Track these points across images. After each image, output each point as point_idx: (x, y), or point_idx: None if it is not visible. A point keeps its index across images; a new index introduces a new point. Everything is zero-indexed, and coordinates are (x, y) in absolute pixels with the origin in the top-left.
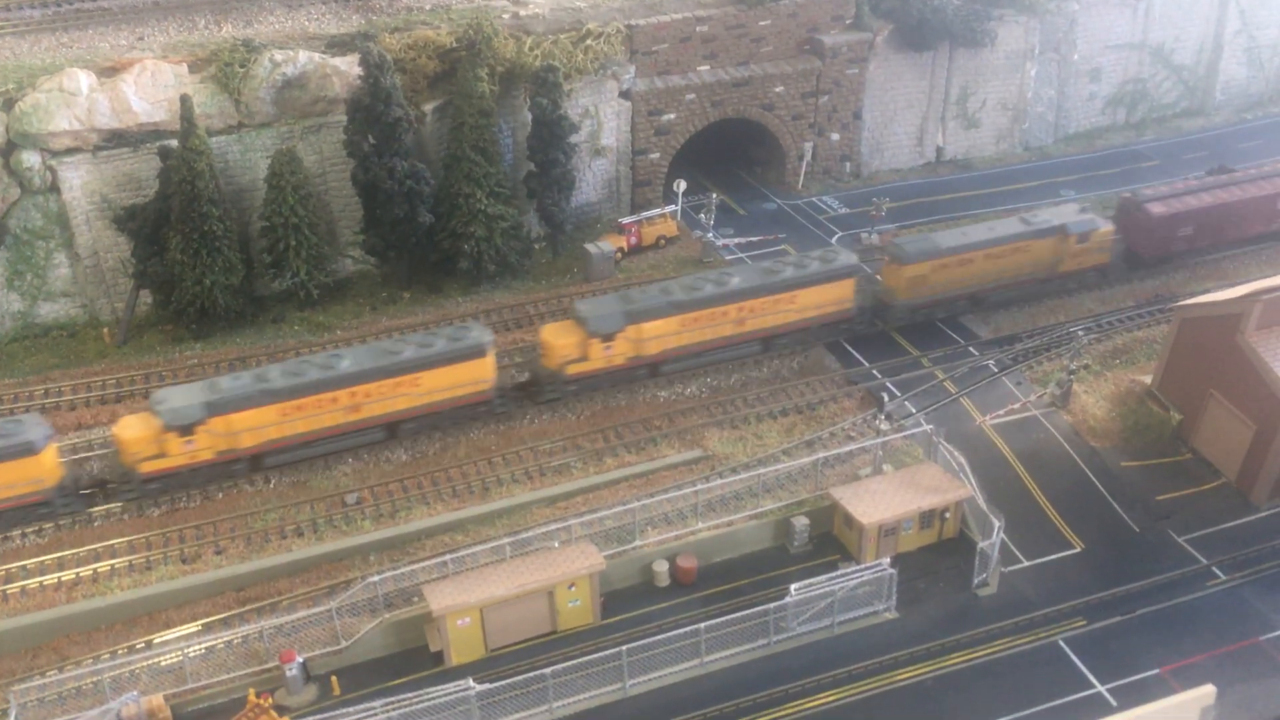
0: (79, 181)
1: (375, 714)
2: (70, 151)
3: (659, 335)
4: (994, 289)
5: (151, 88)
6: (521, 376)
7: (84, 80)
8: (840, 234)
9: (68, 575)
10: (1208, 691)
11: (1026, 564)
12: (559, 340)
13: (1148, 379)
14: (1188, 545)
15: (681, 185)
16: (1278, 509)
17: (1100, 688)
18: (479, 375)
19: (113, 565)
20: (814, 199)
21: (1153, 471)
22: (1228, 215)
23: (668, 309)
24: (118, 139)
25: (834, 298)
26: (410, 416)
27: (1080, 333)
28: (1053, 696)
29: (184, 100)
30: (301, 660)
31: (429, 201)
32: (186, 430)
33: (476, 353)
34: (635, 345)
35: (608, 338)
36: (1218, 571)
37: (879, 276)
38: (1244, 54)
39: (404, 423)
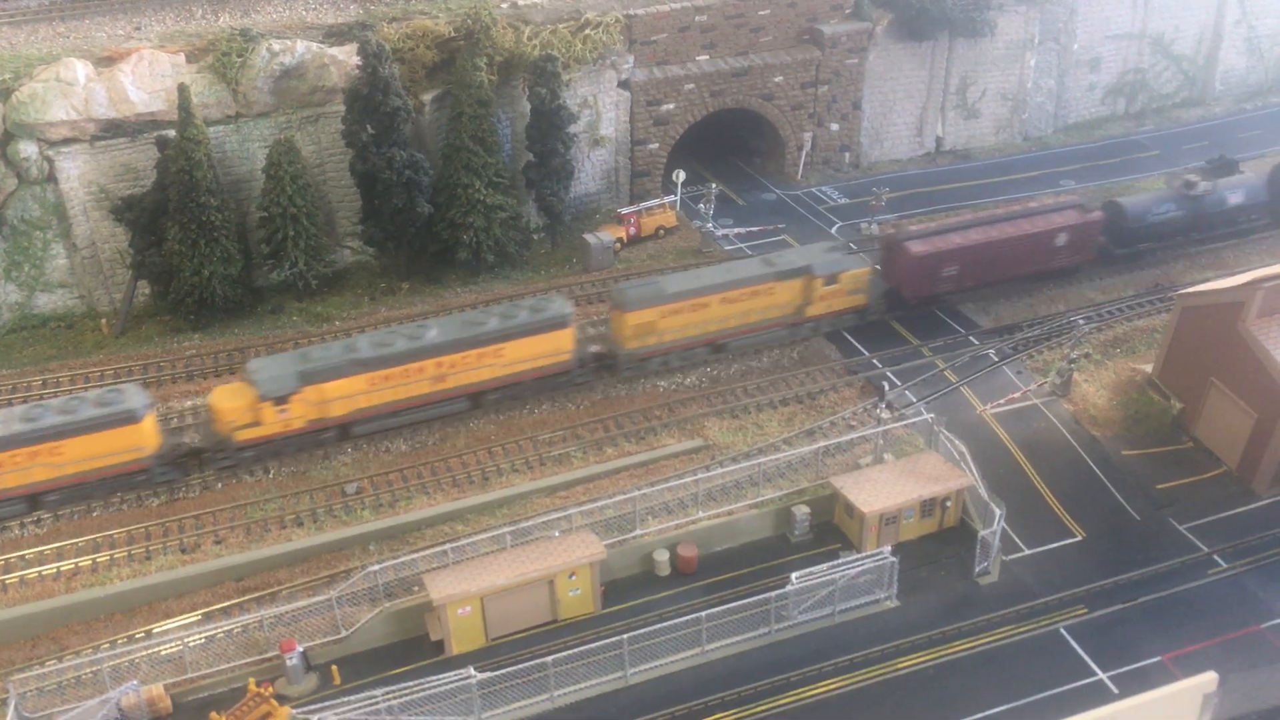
0: (76, 172)
1: (376, 703)
2: (67, 142)
3: (344, 395)
4: (736, 334)
5: (149, 77)
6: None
7: (81, 70)
8: (840, 224)
9: (67, 565)
10: (1210, 679)
11: (1028, 552)
12: (227, 404)
13: (1148, 368)
14: (1189, 533)
15: (681, 175)
16: (1279, 497)
17: (1102, 675)
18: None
19: (112, 555)
20: (813, 189)
21: (1154, 460)
22: (997, 254)
23: (352, 367)
24: (115, 129)
25: (548, 349)
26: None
27: (1081, 321)
28: (1054, 684)
29: (181, 90)
30: (302, 649)
31: (427, 192)
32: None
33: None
34: (316, 407)
35: (281, 400)
36: (1219, 559)
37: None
38: (1244, 44)
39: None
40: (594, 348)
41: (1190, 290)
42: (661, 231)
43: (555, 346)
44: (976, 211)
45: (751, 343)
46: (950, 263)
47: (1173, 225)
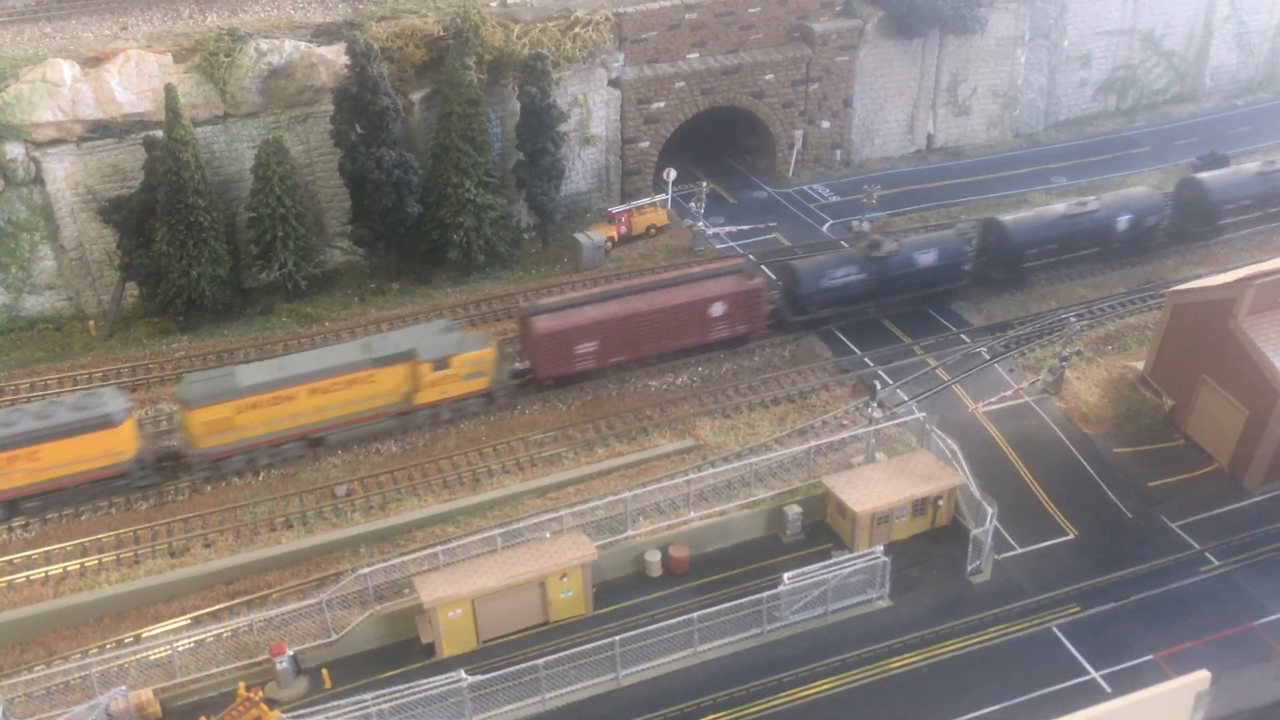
0: (63, 173)
1: (367, 706)
2: (54, 143)
3: None
4: (334, 426)
5: (136, 78)
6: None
7: (67, 70)
8: (831, 221)
9: (55, 570)
10: (1202, 677)
11: (1020, 551)
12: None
13: (1140, 365)
14: (1181, 531)
15: (671, 174)
16: (1270, 494)
17: (1095, 674)
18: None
19: (100, 559)
20: (805, 187)
21: (1145, 458)
22: (640, 327)
23: None
24: (102, 130)
25: (99, 450)
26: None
27: (1073, 319)
28: (1047, 683)
29: (169, 90)
30: (292, 653)
31: (417, 191)
32: None
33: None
34: None
35: None
36: (1211, 557)
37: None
38: (1234, 39)
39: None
40: (167, 442)
41: (1182, 287)
42: (653, 230)
43: (105, 448)
44: (631, 279)
45: (356, 435)
46: (585, 338)
47: (854, 290)
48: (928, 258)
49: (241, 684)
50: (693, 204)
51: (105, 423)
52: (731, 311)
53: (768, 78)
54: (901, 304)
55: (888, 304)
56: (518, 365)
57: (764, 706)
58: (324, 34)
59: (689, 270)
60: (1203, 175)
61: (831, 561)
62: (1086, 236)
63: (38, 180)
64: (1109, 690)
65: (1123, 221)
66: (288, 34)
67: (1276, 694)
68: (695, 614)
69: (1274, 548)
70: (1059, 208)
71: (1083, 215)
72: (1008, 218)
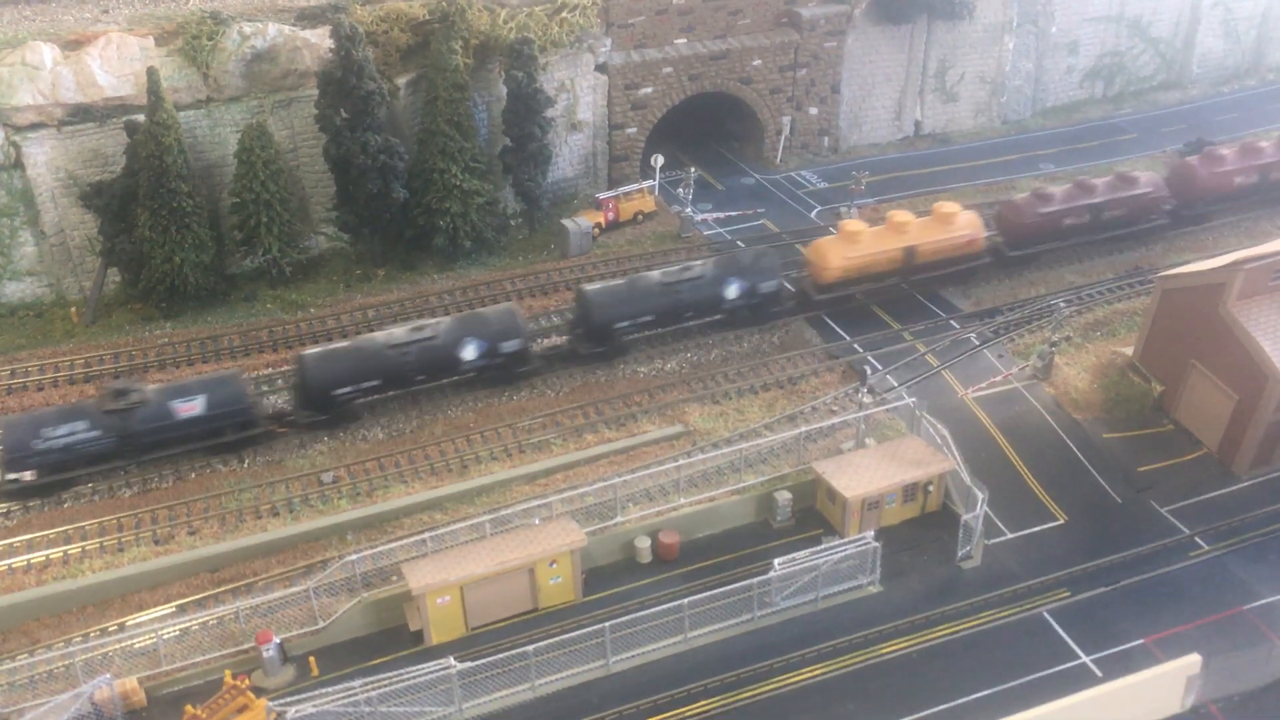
0: (44, 157)
1: (355, 694)
2: (34, 127)
3: None
4: None
5: (117, 61)
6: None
7: (47, 54)
8: (819, 208)
9: (38, 557)
10: (1193, 661)
11: (1010, 536)
12: None
13: (1129, 350)
14: (1170, 516)
15: (659, 160)
16: (1259, 479)
17: (1085, 659)
18: None
19: (84, 547)
20: (792, 173)
21: (1134, 443)
22: None
23: None
24: (83, 114)
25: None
26: None
27: (1061, 305)
28: (1038, 668)
29: (151, 73)
30: (278, 641)
31: (403, 177)
32: None
33: None
34: None
35: None
36: (1200, 542)
37: None
38: (1221, 26)
39: None
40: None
41: (1171, 272)
42: (640, 217)
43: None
44: None
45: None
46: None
47: (85, 452)
48: (191, 407)
49: (228, 672)
50: (680, 190)
51: None
52: None
53: (755, 63)
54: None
55: (141, 461)
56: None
57: (754, 692)
58: (308, 17)
59: None
60: (589, 287)
61: (822, 547)
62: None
63: (17, 165)
64: (1099, 675)
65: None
66: (271, 17)
67: (1266, 678)
68: (685, 600)
69: (1263, 532)
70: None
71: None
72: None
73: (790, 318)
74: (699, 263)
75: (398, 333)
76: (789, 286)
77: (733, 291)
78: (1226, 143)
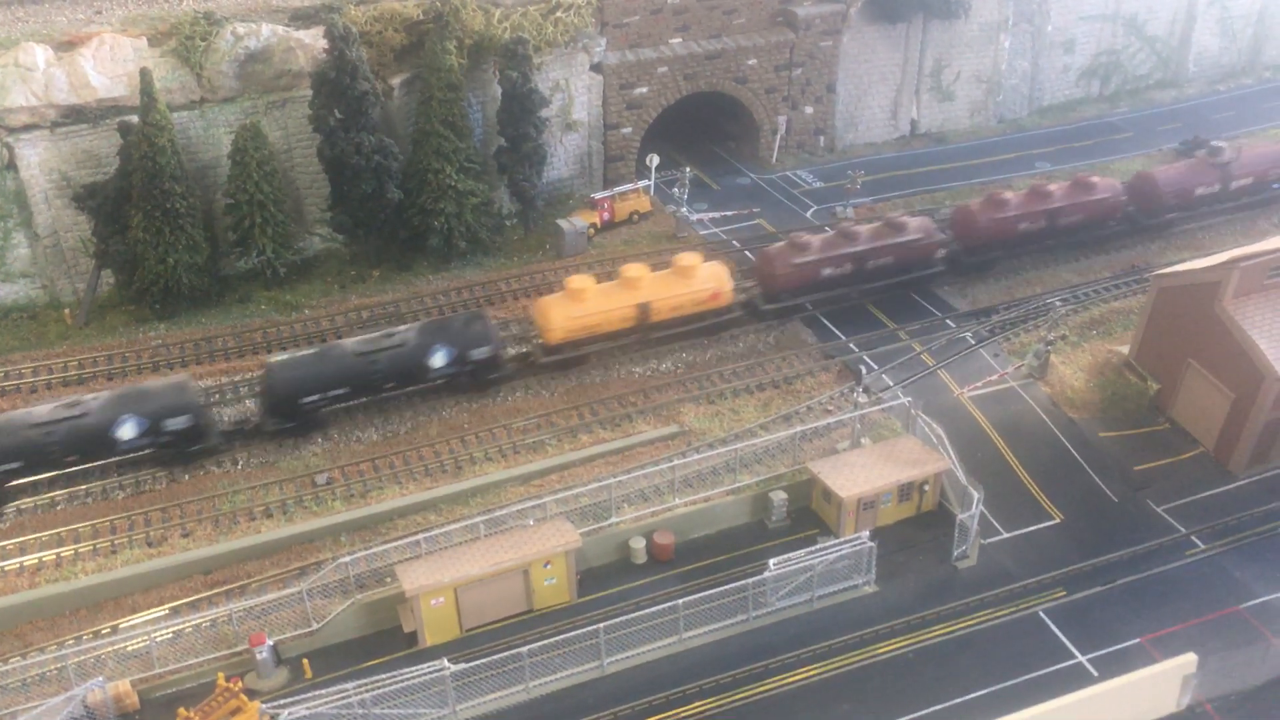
0: (37, 159)
1: (348, 696)
2: (27, 128)
3: None
4: None
5: (110, 62)
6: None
7: (41, 55)
8: (815, 208)
9: (30, 560)
10: (1189, 660)
11: (1006, 535)
12: None
13: (1125, 349)
14: (1166, 515)
15: (654, 160)
16: (1255, 477)
17: (1081, 658)
18: None
19: (76, 549)
20: (788, 173)
21: (1131, 442)
22: None
23: None
24: (76, 115)
25: None
26: None
27: (1058, 304)
28: (1034, 668)
29: (144, 74)
30: (272, 643)
31: (397, 177)
32: None
33: None
34: None
35: None
36: (1197, 540)
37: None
38: (1216, 25)
39: None
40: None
41: (1167, 271)
42: (636, 217)
43: None
44: None
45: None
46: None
47: None
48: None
49: (221, 674)
50: (676, 190)
51: None
52: None
53: (751, 63)
54: None
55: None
56: None
57: (750, 693)
58: (302, 18)
59: None
60: (274, 358)
61: (817, 547)
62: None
63: (10, 166)
64: (1095, 674)
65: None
66: (265, 17)
67: (1262, 677)
68: (680, 601)
69: (1259, 531)
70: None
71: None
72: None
73: (517, 379)
74: (402, 329)
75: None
76: (510, 350)
77: (439, 360)
78: (1010, 187)
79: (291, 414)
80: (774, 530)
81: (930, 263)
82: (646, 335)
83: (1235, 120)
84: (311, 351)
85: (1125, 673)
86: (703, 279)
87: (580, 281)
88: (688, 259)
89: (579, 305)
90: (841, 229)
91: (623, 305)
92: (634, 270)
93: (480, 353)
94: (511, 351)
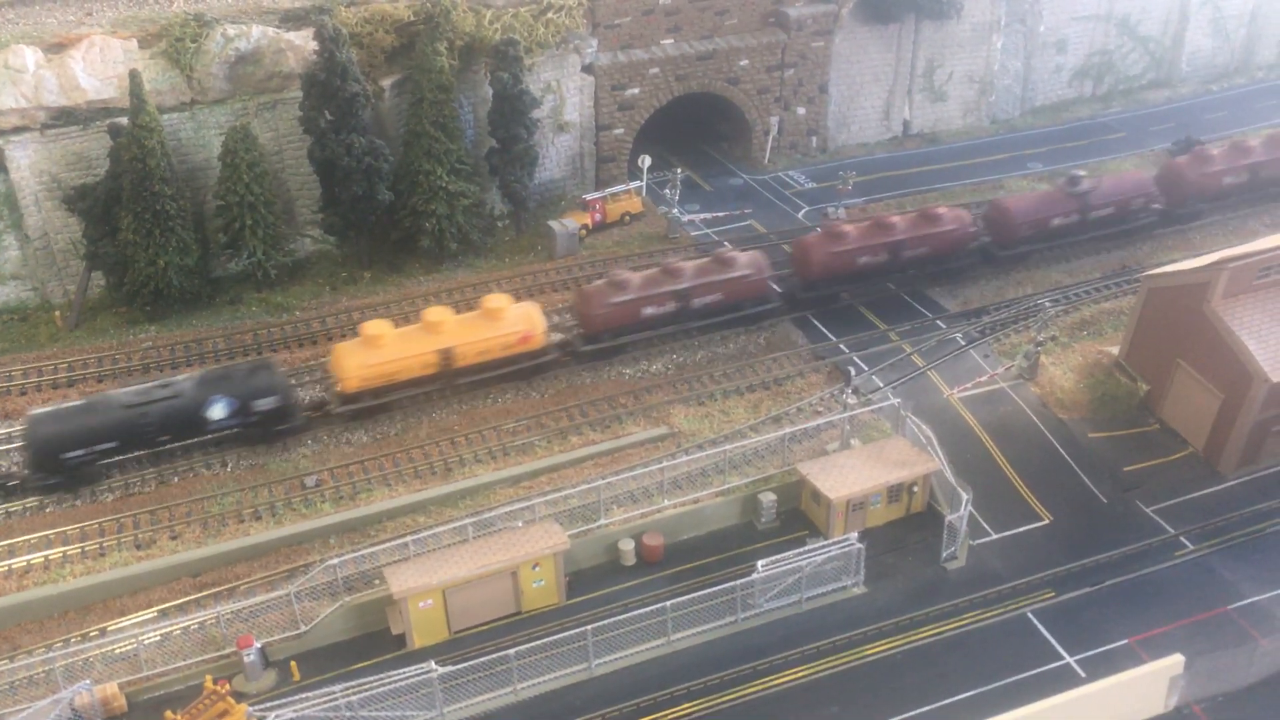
0: (27, 161)
1: (336, 698)
2: (17, 130)
3: None
4: None
5: (100, 64)
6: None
7: (30, 57)
8: (807, 208)
9: (18, 563)
10: (1176, 661)
11: (995, 537)
12: None
13: (1115, 350)
14: (1155, 516)
15: (646, 161)
16: (1244, 478)
17: (1069, 659)
18: None
19: (65, 552)
20: (780, 174)
21: (1120, 442)
22: None
23: None
24: (66, 117)
25: None
26: None
27: (1047, 305)
28: (1022, 669)
29: (133, 76)
30: (259, 645)
31: (388, 179)
32: None
33: None
34: None
35: None
36: (1185, 541)
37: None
38: (1210, 25)
39: None
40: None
41: (1156, 272)
42: (627, 218)
43: None
44: None
45: None
46: None
47: None
48: None
49: (208, 677)
50: (667, 191)
51: None
52: None
53: (743, 64)
54: None
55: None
56: None
57: (738, 694)
58: (292, 19)
59: None
60: (34, 410)
61: (806, 549)
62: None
63: (0, 168)
64: (1083, 675)
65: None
66: (255, 19)
67: (1250, 678)
68: (669, 603)
69: (1248, 532)
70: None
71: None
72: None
73: (310, 429)
74: (180, 379)
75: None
76: (303, 398)
77: (218, 411)
78: (844, 220)
79: (54, 469)
80: (763, 531)
81: (763, 299)
82: (451, 382)
83: (1228, 120)
84: (77, 403)
85: (1113, 674)
86: (512, 321)
87: (377, 327)
88: (496, 301)
89: (375, 352)
90: (665, 266)
91: (423, 351)
92: (436, 314)
93: (265, 403)
94: (309, 398)
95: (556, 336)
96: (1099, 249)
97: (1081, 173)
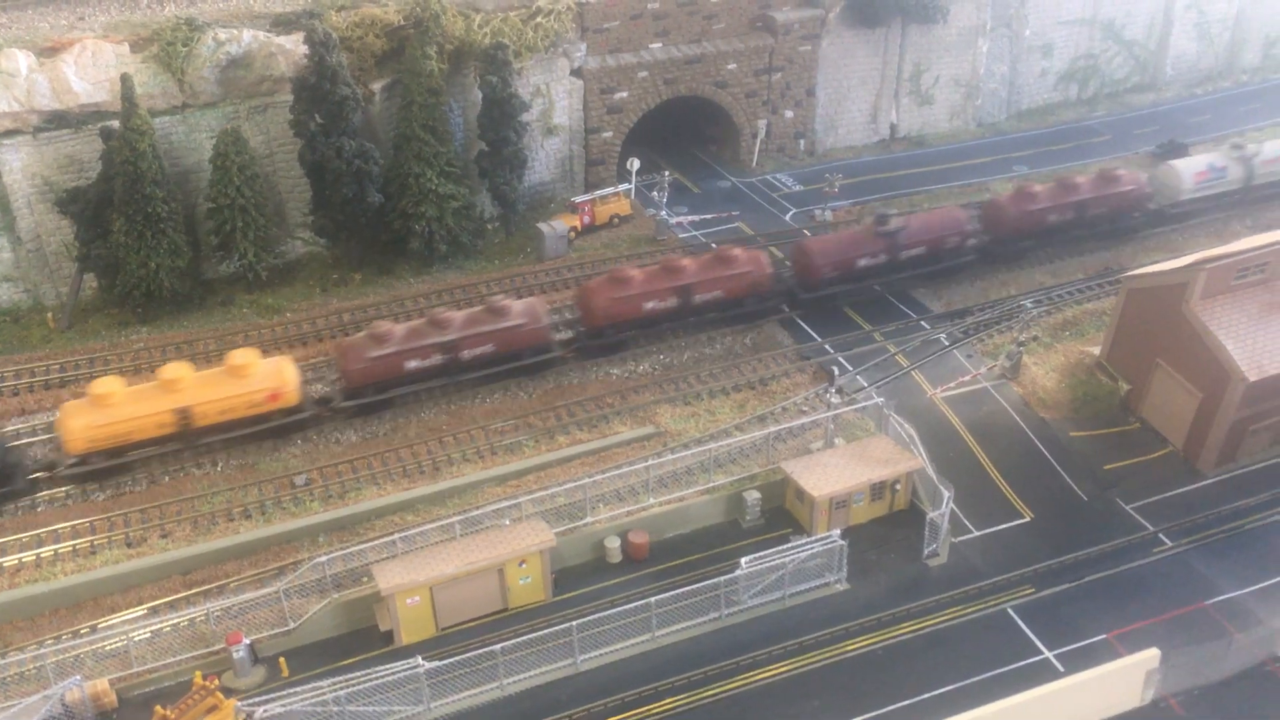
0: (19, 164)
1: (323, 694)
2: (10, 133)
3: None
4: None
5: (92, 68)
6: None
7: (23, 60)
8: (794, 211)
9: (10, 560)
10: (1152, 655)
11: (976, 534)
12: None
13: (1096, 350)
14: (1135, 513)
15: (635, 164)
16: (1223, 476)
17: (1048, 654)
18: None
19: (56, 550)
20: (768, 176)
21: (1101, 441)
22: None
23: None
24: (58, 120)
25: None
26: None
27: (1030, 305)
28: (1001, 663)
29: (125, 80)
30: (249, 642)
31: (378, 181)
32: None
33: None
34: None
35: None
36: (1164, 538)
37: None
38: (1194, 28)
39: None
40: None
41: (1136, 273)
42: (616, 220)
43: None
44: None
45: None
46: None
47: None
48: None
49: (198, 673)
50: (656, 193)
51: None
52: None
53: (731, 67)
54: None
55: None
56: None
57: (721, 689)
58: (283, 23)
59: None
60: None
61: (789, 546)
62: None
63: None
64: (1062, 670)
65: None
66: (246, 23)
67: (1226, 671)
68: (653, 599)
69: (1226, 529)
70: None
71: None
72: None
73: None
74: None
75: None
76: (34, 455)
77: None
78: (634, 266)
79: None
80: (748, 529)
81: (544, 348)
82: (192, 443)
83: (1212, 124)
84: None
85: (1090, 668)
86: (259, 378)
87: (106, 385)
88: (242, 357)
89: (104, 411)
90: (432, 316)
91: (158, 410)
92: (174, 370)
93: None
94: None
95: (320, 388)
96: (1082, 250)
97: (892, 210)
